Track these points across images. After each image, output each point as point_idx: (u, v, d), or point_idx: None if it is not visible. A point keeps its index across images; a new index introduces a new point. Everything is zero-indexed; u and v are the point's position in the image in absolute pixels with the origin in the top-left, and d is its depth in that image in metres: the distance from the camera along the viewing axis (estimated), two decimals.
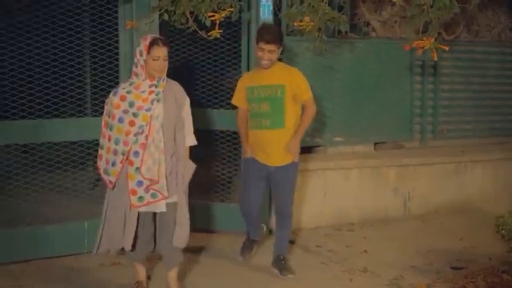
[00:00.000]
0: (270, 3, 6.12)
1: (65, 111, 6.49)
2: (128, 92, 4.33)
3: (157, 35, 4.60)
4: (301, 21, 5.10)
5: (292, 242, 5.92)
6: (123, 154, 4.29)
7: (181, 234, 4.51)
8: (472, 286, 4.93)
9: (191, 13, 5.00)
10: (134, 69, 4.39)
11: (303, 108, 5.08)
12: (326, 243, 6.11)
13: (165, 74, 4.40)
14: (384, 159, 7.05)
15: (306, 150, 6.62)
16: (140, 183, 4.29)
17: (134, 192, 4.32)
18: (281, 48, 5.02)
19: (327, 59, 6.79)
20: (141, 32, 5.39)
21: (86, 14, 6.74)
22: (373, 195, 6.95)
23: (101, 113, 6.26)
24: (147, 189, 4.32)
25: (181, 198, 4.48)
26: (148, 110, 4.28)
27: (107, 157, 4.36)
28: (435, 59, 4.68)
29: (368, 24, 7.63)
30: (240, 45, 6.29)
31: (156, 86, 4.35)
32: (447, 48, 4.69)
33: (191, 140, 4.60)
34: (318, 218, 6.62)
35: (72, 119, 6.12)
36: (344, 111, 7.05)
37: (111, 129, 4.32)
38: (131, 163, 4.29)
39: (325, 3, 5.16)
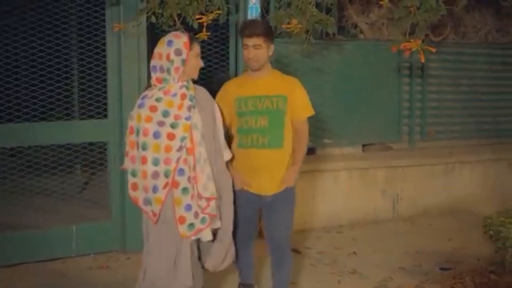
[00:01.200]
0: (258, 5, 6.13)
1: (52, 114, 6.46)
2: (157, 100, 3.59)
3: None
4: (288, 23, 5.11)
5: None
6: (167, 176, 3.53)
7: (216, 255, 3.91)
8: (460, 287, 4.95)
9: (179, 15, 4.99)
10: (157, 75, 3.66)
11: (296, 130, 4.27)
12: (315, 245, 6.11)
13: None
14: (373, 161, 7.07)
15: None
16: (188, 208, 3.58)
17: (182, 220, 3.59)
18: (271, 46, 4.16)
19: (315, 61, 6.80)
20: (128, 34, 5.40)
21: (73, 17, 6.72)
22: (362, 197, 6.96)
23: (90, 116, 6.34)
24: (196, 214, 3.63)
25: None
26: (187, 118, 3.58)
27: (145, 183, 3.57)
28: (422, 60, 4.69)
29: (355, 26, 7.64)
30: (228, 47, 6.29)
31: (187, 88, 3.66)
32: (434, 50, 4.70)
33: (228, 154, 3.99)
34: (307, 220, 6.61)
35: (60, 122, 6.09)
36: (332, 113, 7.05)
37: (144, 148, 3.54)
38: (176, 185, 3.55)
39: (313, 5, 5.17)
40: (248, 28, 4.11)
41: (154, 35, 5.96)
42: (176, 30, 5.03)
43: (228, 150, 4.00)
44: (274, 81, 4.23)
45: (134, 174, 3.64)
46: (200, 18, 4.87)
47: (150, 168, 3.53)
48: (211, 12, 4.92)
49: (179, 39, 3.63)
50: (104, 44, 5.65)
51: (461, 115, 8.02)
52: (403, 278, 5.18)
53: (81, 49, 6.18)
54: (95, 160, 6.13)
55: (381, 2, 4.94)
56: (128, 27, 5.34)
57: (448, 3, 4.90)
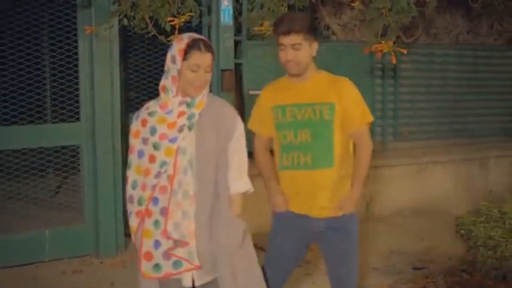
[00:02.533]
0: (231, 7, 6.13)
1: (24, 117, 6.41)
2: (150, 114, 3.06)
3: (199, 35, 3.15)
4: (261, 25, 5.12)
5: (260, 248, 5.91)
6: (140, 204, 3.03)
7: None
8: (433, 286, 5.00)
9: (151, 18, 4.98)
10: (162, 81, 3.09)
11: (354, 142, 3.51)
12: None
13: (206, 89, 3.10)
14: None
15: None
16: (157, 244, 3.00)
17: (148, 257, 3.01)
18: (314, 45, 3.40)
19: None
20: (100, 37, 5.37)
21: (45, 19, 6.67)
22: None
23: (62, 120, 6.29)
24: (167, 255, 3.01)
25: (231, 269, 3.08)
26: (173, 140, 2.99)
27: (128, 208, 3.12)
28: (394, 62, 4.74)
29: (328, 27, 7.68)
30: None
31: (188, 106, 3.03)
32: (405, 51, 4.75)
33: (243, 185, 3.17)
34: None
35: (31, 125, 6.03)
36: None
37: (129, 167, 3.09)
38: (149, 214, 3.02)
39: (285, 7, 5.18)
40: (283, 24, 3.32)
41: (127, 37, 5.96)
42: (148, 33, 5.03)
43: (246, 179, 3.18)
44: (318, 84, 3.43)
45: (133, 187, 3.11)
46: (172, 21, 4.87)
47: (129, 190, 3.09)
48: (183, 14, 4.91)
49: (178, 44, 3.02)
50: (76, 47, 5.62)
51: (434, 116, 8.11)
52: (377, 278, 5.21)
53: (53, 52, 6.13)
54: (68, 164, 6.08)
55: (352, 4, 4.98)
56: (100, 30, 5.32)
57: (419, 5, 4.94)
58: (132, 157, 3.08)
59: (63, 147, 5.99)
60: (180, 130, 3.00)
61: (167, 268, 3.01)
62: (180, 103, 3.03)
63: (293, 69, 3.36)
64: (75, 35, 5.60)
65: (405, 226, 6.89)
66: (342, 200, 3.41)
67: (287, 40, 3.29)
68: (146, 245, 3.01)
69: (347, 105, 3.38)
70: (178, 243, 2.98)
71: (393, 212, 7.28)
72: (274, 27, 3.39)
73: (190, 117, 3.02)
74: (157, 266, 3.01)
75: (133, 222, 3.07)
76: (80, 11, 5.48)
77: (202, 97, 3.06)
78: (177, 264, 3.01)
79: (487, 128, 8.52)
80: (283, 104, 3.43)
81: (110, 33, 5.37)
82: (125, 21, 5.07)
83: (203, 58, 3.01)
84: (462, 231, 5.02)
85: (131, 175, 3.07)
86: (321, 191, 3.38)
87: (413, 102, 7.96)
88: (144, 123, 3.06)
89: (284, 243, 3.53)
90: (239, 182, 3.15)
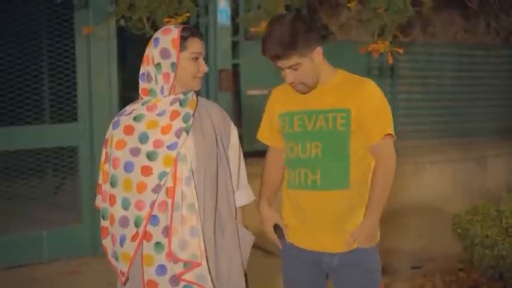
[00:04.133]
0: (228, 8, 6.15)
1: (21, 118, 6.42)
2: (136, 118, 2.62)
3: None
4: (258, 26, 5.12)
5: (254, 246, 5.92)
6: (137, 225, 2.57)
7: None
8: (430, 285, 5.00)
9: (148, 18, 4.98)
10: (144, 85, 2.68)
11: (374, 158, 2.83)
12: None
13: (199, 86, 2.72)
14: None
15: (255, 154, 6.55)
16: (162, 270, 2.58)
17: (152, 286, 2.59)
18: (315, 53, 2.73)
19: None
20: (98, 37, 5.38)
21: (43, 20, 6.68)
22: None
23: (60, 120, 6.30)
24: (174, 280, 2.60)
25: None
26: (172, 147, 2.58)
27: (113, 231, 2.63)
28: (390, 62, 4.75)
29: (326, 27, 7.69)
30: None
31: (181, 104, 2.63)
32: (401, 51, 4.75)
33: (246, 196, 2.87)
34: None
35: (29, 126, 6.04)
36: None
37: (113, 184, 2.60)
38: (148, 237, 2.58)
39: (283, 7, 5.19)
40: (267, 49, 2.73)
41: (124, 38, 5.97)
42: (145, 33, 5.03)
43: (248, 189, 2.89)
44: (334, 87, 2.80)
45: (104, 216, 2.67)
46: (170, 21, 4.87)
47: (118, 211, 2.59)
48: (180, 15, 4.91)
49: (167, 36, 2.63)
50: (73, 47, 5.62)
51: (431, 115, 8.13)
52: None
53: (51, 52, 6.14)
54: (66, 164, 6.09)
55: (349, 5, 4.99)
56: (98, 30, 5.33)
57: (416, 4, 4.95)
58: (117, 172, 2.59)
59: (62, 148, 6.00)
60: (178, 134, 2.58)
61: None
62: (172, 102, 2.62)
63: (301, 89, 2.77)
64: (73, 35, 5.60)
65: (402, 225, 6.89)
66: (353, 231, 2.78)
67: (280, 63, 2.73)
68: (148, 273, 2.59)
69: (367, 113, 2.73)
70: (188, 266, 2.57)
71: (390, 211, 7.27)
72: (261, 48, 2.78)
73: (186, 119, 2.61)
74: None
75: (129, 249, 2.59)
76: (78, 12, 5.49)
77: (193, 95, 2.69)
78: None
79: (484, 127, 8.56)
80: (291, 111, 2.84)
81: (107, 34, 5.38)
82: (122, 22, 5.07)
83: (201, 45, 2.67)
84: (459, 230, 5.02)
85: (118, 193, 2.59)
86: (331, 219, 2.78)
87: (410, 102, 7.98)
88: (129, 130, 2.61)
89: (293, 282, 2.99)
90: (243, 191, 2.86)
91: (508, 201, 5.02)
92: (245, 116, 6.56)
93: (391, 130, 2.80)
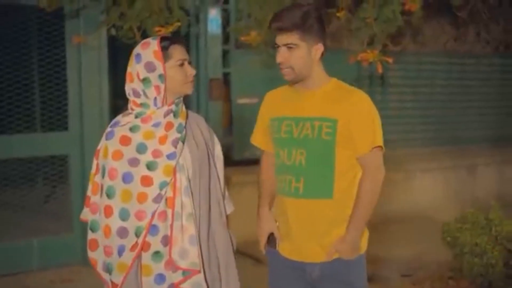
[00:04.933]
0: (219, 17, 6.17)
1: (12, 127, 6.41)
2: (132, 129, 2.63)
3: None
4: (248, 35, 5.15)
5: (243, 253, 5.93)
6: (138, 235, 2.58)
7: None
8: None
9: (139, 28, 5.00)
10: (133, 99, 2.68)
11: (362, 168, 2.83)
12: None
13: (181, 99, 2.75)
14: None
15: (246, 162, 6.54)
16: (161, 279, 2.62)
17: None
18: (317, 47, 2.75)
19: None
20: (89, 47, 5.39)
21: (33, 29, 6.69)
22: None
23: (51, 129, 6.29)
24: None
25: None
26: (171, 157, 2.62)
27: (108, 243, 2.61)
28: (380, 71, 4.78)
29: None
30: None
31: (175, 115, 2.67)
32: (390, 60, 4.78)
33: (229, 206, 2.96)
34: None
35: (20, 135, 6.03)
36: None
37: (110, 196, 2.60)
38: (146, 247, 2.61)
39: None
40: (276, 19, 2.71)
41: (115, 47, 5.97)
42: (135, 42, 5.03)
43: (229, 199, 2.97)
44: (324, 95, 2.79)
45: (94, 228, 2.68)
46: (160, 31, 4.88)
47: (116, 222, 2.58)
48: (171, 24, 4.93)
49: (147, 49, 2.63)
50: (64, 56, 5.63)
51: (421, 123, 8.16)
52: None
53: (42, 61, 6.14)
54: (57, 173, 6.09)
55: (338, 15, 5.02)
56: (89, 40, 5.34)
57: (406, 14, 4.99)
58: (114, 183, 2.59)
59: (52, 157, 6.00)
60: (175, 144, 2.62)
61: None
62: (166, 114, 2.64)
63: (286, 73, 2.75)
64: (64, 44, 5.61)
65: (393, 233, 6.91)
66: (335, 243, 2.75)
67: (279, 38, 2.70)
68: (147, 284, 2.61)
69: (355, 124, 2.72)
70: (187, 274, 2.62)
71: (381, 219, 7.29)
72: (269, 22, 2.78)
73: (180, 129, 2.66)
74: None
75: (128, 259, 2.59)
76: (68, 21, 5.50)
77: (183, 106, 2.74)
78: None
79: (475, 136, 8.59)
80: (281, 117, 2.83)
81: (98, 43, 5.39)
82: (113, 31, 5.09)
83: (184, 50, 2.70)
84: (449, 238, 5.04)
85: (115, 204, 2.58)
86: (313, 228, 2.76)
87: (401, 110, 8.01)
88: (125, 141, 2.61)
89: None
90: (227, 201, 2.93)
91: (497, 210, 5.04)
92: (236, 125, 6.57)
93: (380, 142, 2.80)
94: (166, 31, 4.86)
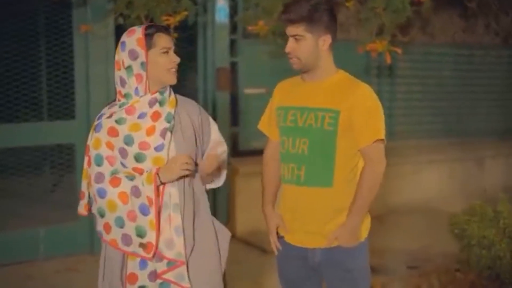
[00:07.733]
0: (226, 6, 6.14)
1: (19, 115, 6.42)
2: (118, 122, 2.66)
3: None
4: (256, 24, 5.13)
5: (249, 243, 5.92)
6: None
7: None
8: (427, 285, 5.00)
9: (146, 16, 4.98)
10: (119, 88, 2.72)
11: (364, 159, 2.89)
12: None
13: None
14: None
15: (253, 153, 6.52)
16: (143, 265, 2.70)
17: (132, 279, 2.70)
18: (324, 38, 2.85)
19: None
20: (96, 35, 5.37)
21: (40, 18, 6.68)
22: None
23: (58, 117, 6.29)
24: (152, 276, 2.71)
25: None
26: (159, 148, 2.64)
27: (124, 211, 2.66)
28: (389, 61, 4.75)
29: None
30: (196, 48, 6.29)
31: (161, 104, 2.68)
32: (399, 51, 4.76)
33: (221, 149, 2.93)
34: None
35: (27, 123, 6.04)
36: None
37: (115, 173, 2.72)
38: None
39: (281, 6, 5.18)
40: (284, 12, 2.83)
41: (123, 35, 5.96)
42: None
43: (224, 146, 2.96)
44: (330, 87, 2.86)
45: (102, 213, 2.70)
46: (168, 19, 4.87)
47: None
48: (179, 13, 4.91)
49: (132, 36, 2.65)
50: (71, 45, 5.62)
51: (429, 115, 8.12)
52: (370, 276, 5.21)
53: (49, 50, 6.13)
54: (63, 162, 6.09)
55: (347, 4, 4.99)
56: (96, 28, 5.32)
57: (415, 4, 4.96)
58: (115, 168, 2.69)
59: (59, 145, 6.00)
60: (163, 135, 2.64)
61: None
62: (151, 103, 2.66)
63: (293, 63, 2.85)
64: (71, 33, 5.60)
65: (400, 225, 6.90)
66: (336, 230, 2.83)
67: (288, 30, 2.81)
68: (131, 266, 2.70)
69: (358, 116, 2.79)
70: (172, 264, 2.68)
71: (388, 211, 7.28)
72: (280, 13, 2.91)
73: (169, 119, 2.67)
74: None
75: (153, 216, 2.65)
76: (76, 10, 5.48)
77: (171, 93, 2.75)
78: (163, 286, 2.72)
79: (483, 128, 8.55)
80: (287, 106, 2.92)
81: (105, 32, 5.37)
82: (121, 20, 5.07)
83: (169, 39, 2.69)
84: (456, 230, 5.02)
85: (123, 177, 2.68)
86: (314, 215, 2.85)
87: (409, 101, 7.97)
88: (113, 132, 2.65)
89: (286, 277, 3.10)
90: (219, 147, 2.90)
91: (505, 202, 5.01)
92: (242, 114, 6.54)
93: (382, 135, 2.85)
94: (173, 20, 4.85)
